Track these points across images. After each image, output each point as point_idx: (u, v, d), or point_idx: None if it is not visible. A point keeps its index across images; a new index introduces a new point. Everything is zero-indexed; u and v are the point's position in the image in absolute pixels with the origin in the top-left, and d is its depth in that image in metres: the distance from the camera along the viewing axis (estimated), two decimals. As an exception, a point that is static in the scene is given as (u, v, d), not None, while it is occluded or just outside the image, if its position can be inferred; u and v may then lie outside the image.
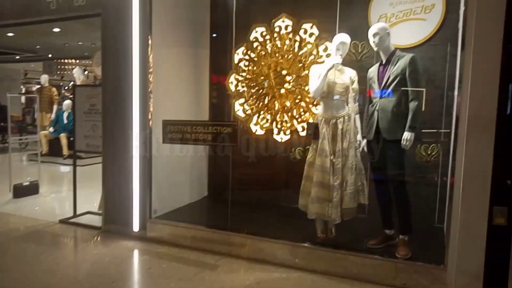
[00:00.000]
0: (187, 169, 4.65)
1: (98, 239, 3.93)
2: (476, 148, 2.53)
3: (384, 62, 3.11)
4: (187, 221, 3.92)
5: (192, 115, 4.65)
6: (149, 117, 3.95)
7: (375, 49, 3.11)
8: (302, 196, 3.43)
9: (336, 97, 3.23)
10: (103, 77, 4.30)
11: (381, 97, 3.08)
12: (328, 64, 3.22)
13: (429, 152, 3.72)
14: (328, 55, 3.92)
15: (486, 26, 2.49)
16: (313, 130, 3.27)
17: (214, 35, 4.96)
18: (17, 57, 11.76)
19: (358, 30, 3.90)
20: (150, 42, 3.89)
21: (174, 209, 4.31)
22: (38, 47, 10.37)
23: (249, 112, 4.23)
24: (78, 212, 4.64)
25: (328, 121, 3.26)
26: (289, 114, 4.13)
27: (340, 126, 3.23)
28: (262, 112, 4.24)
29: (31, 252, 3.56)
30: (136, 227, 3.89)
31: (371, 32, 3.10)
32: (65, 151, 8.25)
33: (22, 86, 14.64)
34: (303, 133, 4.05)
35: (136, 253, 3.63)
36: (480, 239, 2.55)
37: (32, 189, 5.67)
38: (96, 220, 4.42)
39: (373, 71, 3.22)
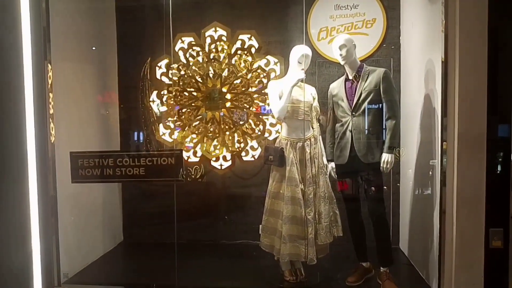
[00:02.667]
0: (98, 210, 3.68)
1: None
2: (468, 169, 2.37)
3: (351, 77, 2.82)
4: (106, 282, 3.04)
5: (102, 144, 3.73)
6: (49, 148, 2.96)
7: (342, 63, 2.80)
8: (265, 235, 2.91)
9: (301, 116, 2.83)
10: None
11: (353, 116, 2.77)
12: (291, 81, 2.79)
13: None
14: (271, 70, 3.54)
15: (470, 39, 2.37)
16: (278, 156, 2.79)
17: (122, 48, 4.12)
18: None
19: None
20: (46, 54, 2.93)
21: (86, 266, 3.33)
22: None
23: (180, 135, 3.56)
24: None
25: (295, 145, 2.82)
26: (231, 137, 3.60)
27: (307, 150, 2.82)
28: (196, 135, 3.61)
29: None
30: (39, 302, 2.82)
31: (337, 44, 2.78)
32: None
33: None
34: (248, 158, 3.57)
35: None
36: (478, 264, 2.39)
37: None
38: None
39: (337, 87, 2.90)
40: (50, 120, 2.96)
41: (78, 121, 3.38)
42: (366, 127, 2.73)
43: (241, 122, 3.57)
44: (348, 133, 2.78)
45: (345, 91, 2.83)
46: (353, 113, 2.77)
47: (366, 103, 2.73)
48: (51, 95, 2.98)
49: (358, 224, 2.90)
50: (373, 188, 2.72)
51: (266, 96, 3.40)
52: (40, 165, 2.86)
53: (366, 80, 2.75)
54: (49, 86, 2.95)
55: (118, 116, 3.99)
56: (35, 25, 2.88)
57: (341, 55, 2.77)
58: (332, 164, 2.93)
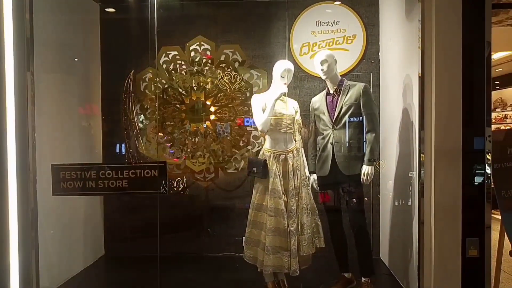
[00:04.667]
0: (79, 224, 3.63)
1: None
2: (445, 181, 2.45)
3: (332, 91, 2.89)
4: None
5: (84, 156, 3.70)
6: (31, 160, 2.92)
7: (324, 77, 2.88)
8: (249, 247, 2.92)
9: (284, 129, 2.88)
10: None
11: (334, 129, 2.84)
12: (274, 94, 2.85)
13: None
14: (254, 84, 3.61)
15: (446, 55, 2.48)
16: (261, 167, 2.82)
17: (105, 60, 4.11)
18: None
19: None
20: (29, 65, 2.91)
21: (67, 280, 3.27)
22: None
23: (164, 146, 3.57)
24: None
25: (278, 157, 2.86)
26: (215, 148, 3.63)
27: (290, 162, 2.87)
28: (179, 146, 3.63)
29: None
30: (16, 319, 2.75)
31: (318, 59, 2.86)
32: None
33: None
34: (231, 170, 3.61)
35: None
36: (456, 273, 2.46)
37: None
38: None
39: (318, 101, 2.98)
40: (32, 132, 2.93)
41: (60, 133, 3.35)
42: (347, 140, 2.80)
43: (225, 134, 3.61)
44: (329, 146, 2.84)
45: (326, 105, 2.90)
46: (334, 126, 2.84)
47: (346, 116, 2.80)
48: (33, 106, 2.95)
49: (340, 235, 2.94)
50: (354, 199, 2.78)
51: (249, 109, 3.46)
52: (20, 177, 2.82)
53: (347, 94, 2.83)
54: (31, 97, 2.93)
55: (101, 128, 3.96)
56: (18, 36, 2.87)
57: (322, 70, 2.84)
58: (314, 176, 2.98)
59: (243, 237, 3.05)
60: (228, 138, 3.62)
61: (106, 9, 3.97)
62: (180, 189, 3.87)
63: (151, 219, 3.81)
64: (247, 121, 3.70)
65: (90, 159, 3.73)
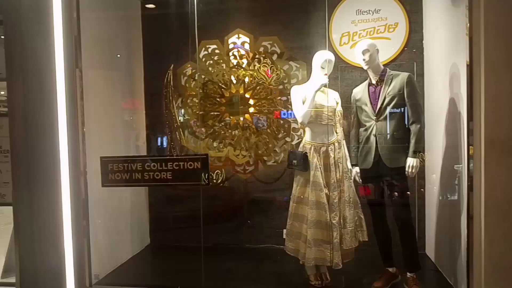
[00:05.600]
0: (126, 214, 3.78)
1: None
2: (496, 174, 2.34)
3: (374, 82, 2.83)
4: (140, 284, 3.11)
5: (129, 149, 3.83)
6: (81, 153, 3.06)
7: (365, 67, 2.82)
8: (290, 239, 2.93)
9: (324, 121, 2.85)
10: (9, 106, 3.25)
11: (377, 121, 2.77)
12: (314, 85, 2.82)
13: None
14: (293, 75, 3.59)
15: (496, 41, 2.35)
16: (301, 160, 2.82)
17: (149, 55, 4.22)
18: None
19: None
20: (77, 62, 3.04)
21: (116, 267, 3.42)
22: None
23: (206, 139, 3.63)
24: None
25: (318, 149, 2.84)
26: (254, 141, 3.66)
27: (331, 155, 2.84)
28: (220, 139, 3.68)
29: None
30: (71, 301, 2.92)
31: (360, 49, 2.80)
32: None
33: None
34: (271, 162, 3.62)
35: None
36: (508, 269, 2.35)
37: None
38: (3, 295, 3.30)
39: (360, 92, 2.92)
40: (81, 126, 3.07)
41: (107, 126, 3.48)
42: (390, 132, 2.73)
43: (264, 127, 3.62)
44: (372, 138, 2.78)
45: (368, 96, 2.84)
46: (377, 117, 2.77)
47: (389, 107, 2.73)
48: (81, 102, 3.09)
49: (384, 228, 2.89)
50: (396, 193, 2.72)
51: (288, 101, 3.45)
52: (72, 169, 2.97)
53: (390, 84, 2.75)
54: (80, 93, 3.07)
55: (144, 122, 4.08)
56: (67, 34, 3.00)
57: (364, 60, 2.78)
58: (357, 169, 2.94)
59: (284, 230, 3.07)
60: (267, 130, 3.63)
61: (146, 6, 4.05)
62: (220, 181, 3.93)
63: (193, 210, 3.91)
64: (284, 114, 3.69)
65: (134, 152, 3.87)
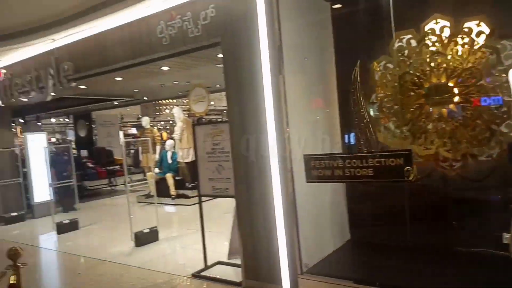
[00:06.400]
0: (326, 208, 3.96)
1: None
2: None
3: None
4: (344, 277, 3.21)
5: (326, 146, 4.01)
6: (288, 153, 3.37)
7: None
8: (516, 243, 2.55)
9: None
10: (229, 114, 3.87)
11: None
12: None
13: None
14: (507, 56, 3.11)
15: None
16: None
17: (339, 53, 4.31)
18: (116, 103, 12.19)
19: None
20: (280, 68, 3.34)
21: (321, 259, 3.63)
22: (136, 90, 10.60)
23: (406, 134, 3.50)
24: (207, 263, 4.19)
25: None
26: (459, 134, 3.33)
27: None
28: (420, 134, 3.49)
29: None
30: (286, 285, 3.26)
31: None
32: (173, 191, 8.09)
33: (120, 130, 15.33)
34: (484, 158, 3.23)
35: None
36: None
37: (152, 236, 5.41)
38: (230, 273, 3.94)
39: None
40: (286, 126, 3.38)
41: (306, 125, 3.72)
42: None
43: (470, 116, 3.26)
44: None
45: None
46: None
47: None
48: (285, 105, 3.39)
49: None
50: None
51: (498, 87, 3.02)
52: (280, 165, 3.31)
53: None
54: (283, 97, 3.38)
55: (338, 120, 4.19)
56: (271, 44, 3.36)
57: None
58: None
59: (504, 233, 2.70)
60: (477, 120, 3.24)
61: (333, 6, 4.12)
62: (420, 178, 3.71)
63: (392, 206, 3.83)
64: (484, 100, 3.24)
65: (330, 149, 4.01)
